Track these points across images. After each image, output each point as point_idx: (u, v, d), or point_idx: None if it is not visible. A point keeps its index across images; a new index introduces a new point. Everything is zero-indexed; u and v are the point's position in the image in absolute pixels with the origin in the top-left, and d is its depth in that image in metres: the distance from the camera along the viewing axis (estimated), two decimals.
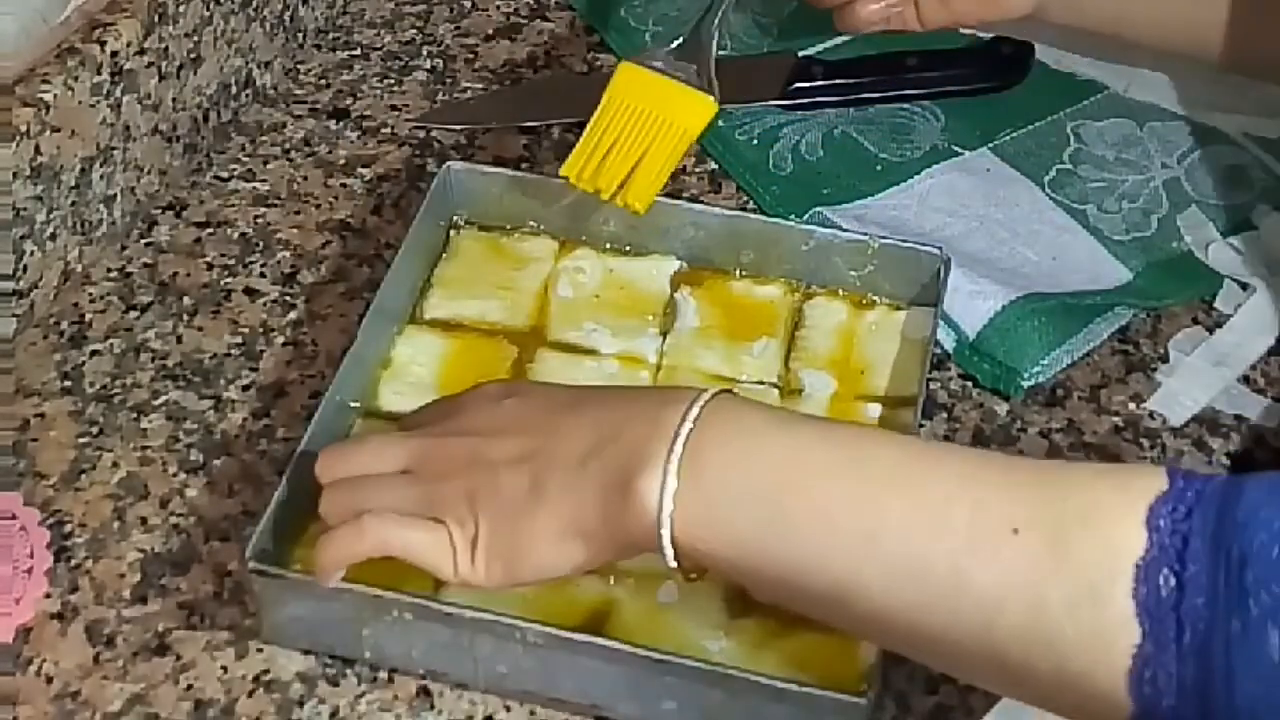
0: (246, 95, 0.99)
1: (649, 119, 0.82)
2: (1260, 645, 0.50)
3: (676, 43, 0.85)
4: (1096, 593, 0.53)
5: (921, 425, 0.80)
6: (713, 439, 0.61)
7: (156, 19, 0.88)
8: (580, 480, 0.63)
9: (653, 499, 0.60)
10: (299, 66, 1.03)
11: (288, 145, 0.98)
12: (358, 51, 1.05)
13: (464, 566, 0.65)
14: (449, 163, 0.87)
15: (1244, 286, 0.88)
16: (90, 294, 0.88)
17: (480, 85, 1.03)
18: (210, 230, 0.92)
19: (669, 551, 0.61)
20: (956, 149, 0.97)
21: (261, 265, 0.90)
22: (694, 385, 0.65)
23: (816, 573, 0.58)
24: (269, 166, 0.96)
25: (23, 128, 0.80)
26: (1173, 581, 0.52)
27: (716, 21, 0.85)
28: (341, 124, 0.99)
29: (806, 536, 0.58)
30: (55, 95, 0.82)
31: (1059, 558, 0.54)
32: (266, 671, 0.71)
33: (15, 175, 0.80)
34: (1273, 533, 0.51)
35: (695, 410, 0.61)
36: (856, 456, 0.60)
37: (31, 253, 0.84)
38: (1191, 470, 0.55)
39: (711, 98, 0.83)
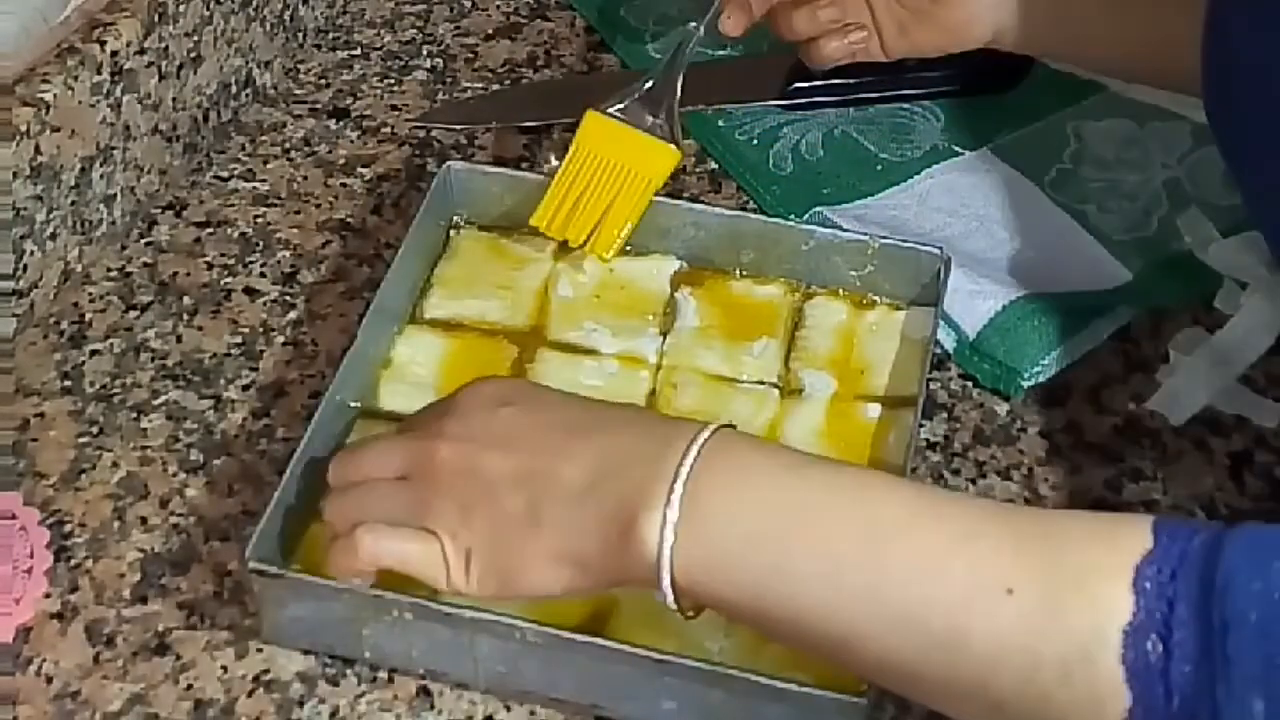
0: (246, 95, 0.99)
1: (614, 169, 0.85)
2: (1244, 713, 0.51)
3: (646, 86, 0.86)
4: (1088, 656, 0.54)
5: (921, 425, 0.80)
6: (713, 482, 0.61)
7: (156, 19, 0.88)
8: (579, 512, 0.63)
9: (653, 542, 0.60)
10: (299, 66, 1.03)
11: (288, 145, 0.98)
12: (358, 51, 1.05)
13: (457, 578, 0.65)
14: (449, 163, 0.87)
15: (1244, 286, 0.88)
16: (90, 294, 0.88)
17: (480, 85, 1.03)
18: (210, 230, 0.92)
19: (669, 593, 0.61)
20: (956, 149, 0.97)
21: (261, 265, 0.90)
22: (694, 420, 0.64)
23: (817, 620, 0.59)
24: (269, 166, 0.96)
25: (23, 128, 0.80)
26: (1160, 648, 0.52)
27: (681, 73, 0.87)
28: (341, 124, 0.99)
29: (807, 584, 0.59)
30: (55, 95, 0.82)
31: (1052, 619, 0.55)
32: (266, 671, 0.71)
33: (15, 175, 0.80)
34: (1250, 597, 0.52)
35: (695, 449, 0.61)
36: (858, 505, 0.60)
37: (31, 253, 0.84)
38: (1178, 523, 0.55)
39: (674, 147, 0.85)
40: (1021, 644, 0.55)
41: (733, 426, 0.64)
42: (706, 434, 0.62)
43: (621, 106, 0.86)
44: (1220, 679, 0.51)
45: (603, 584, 0.64)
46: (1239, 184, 0.72)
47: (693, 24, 0.88)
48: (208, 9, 0.93)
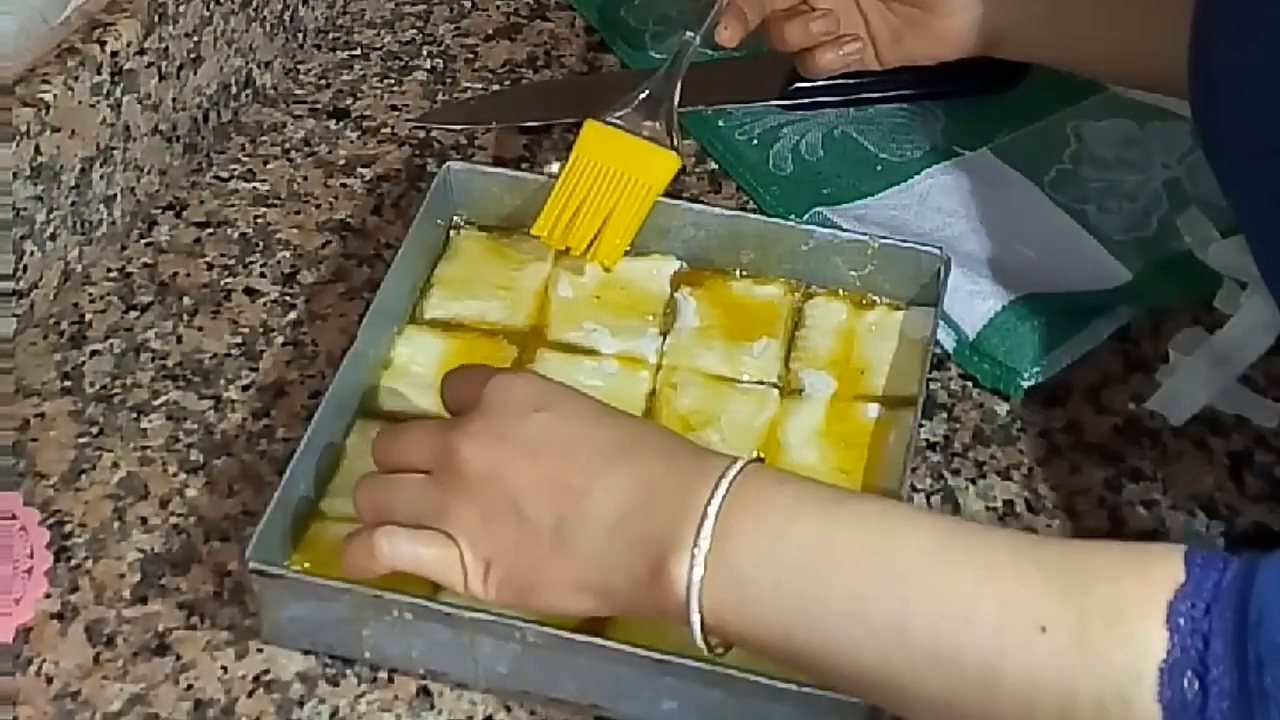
0: (246, 95, 0.99)
1: (615, 177, 0.84)
2: None
3: (644, 94, 0.86)
4: (1124, 695, 0.53)
5: (921, 425, 0.80)
6: (742, 521, 0.61)
7: (156, 19, 0.88)
8: (608, 544, 0.63)
9: (682, 581, 0.60)
10: (299, 66, 1.03)
11: (288, 145, 0.98)
12: (358, 51, 1.05)
13: (475, 584, 0.66)
14: (449, 163, 0.87)
15: (1244, 286, 0.88)
16: (90, 294, 0.88)
17: (480, 85, 1.03)
18: (210, 230, 0.92)
19: (698, 632, 0.61)
20: (956, 149, 0.97)
21: (261, 265, 0.90)
22: (723, 454, 0.64)
23: (846, 659, 0.58)
24: (269, 166, 0.96)
25: (23, 128, 0.80)
26: (1196, 685, 0.52)
27: (679, 80, 0.87)
28: (341, 124, 0.99)
29: (836, 624, 0.58)
30: (55, 95, 0.82)
31: (1087, 657, 0.54)
32: (266, 671, 0.71)
33: (15, 175, 0.80)
34: None
35: (725, 486, 0.61)
36: (886, 542, 0.59)
37: (31, 253, 0.84)
38: (1209, 554, 0.55)
39: (674, 153, 0.85)
40: (1056, 682, 0.54)
41: (761, 460, 0.64)
42: (735, 470, 0.62)
43: (620, 114, 0.86)
44: (1259, 714, 0.51)
45: (627, 613, 0.65)
46: (1224, 194, 0.72)
47: (689, 34, 0.88)
48: (208, 9, 0.93)
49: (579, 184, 0.84)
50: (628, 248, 0.84)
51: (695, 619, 0.61)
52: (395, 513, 0.68)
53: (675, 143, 0.86)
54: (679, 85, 0.87)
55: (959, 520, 0.67)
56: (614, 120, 0.86)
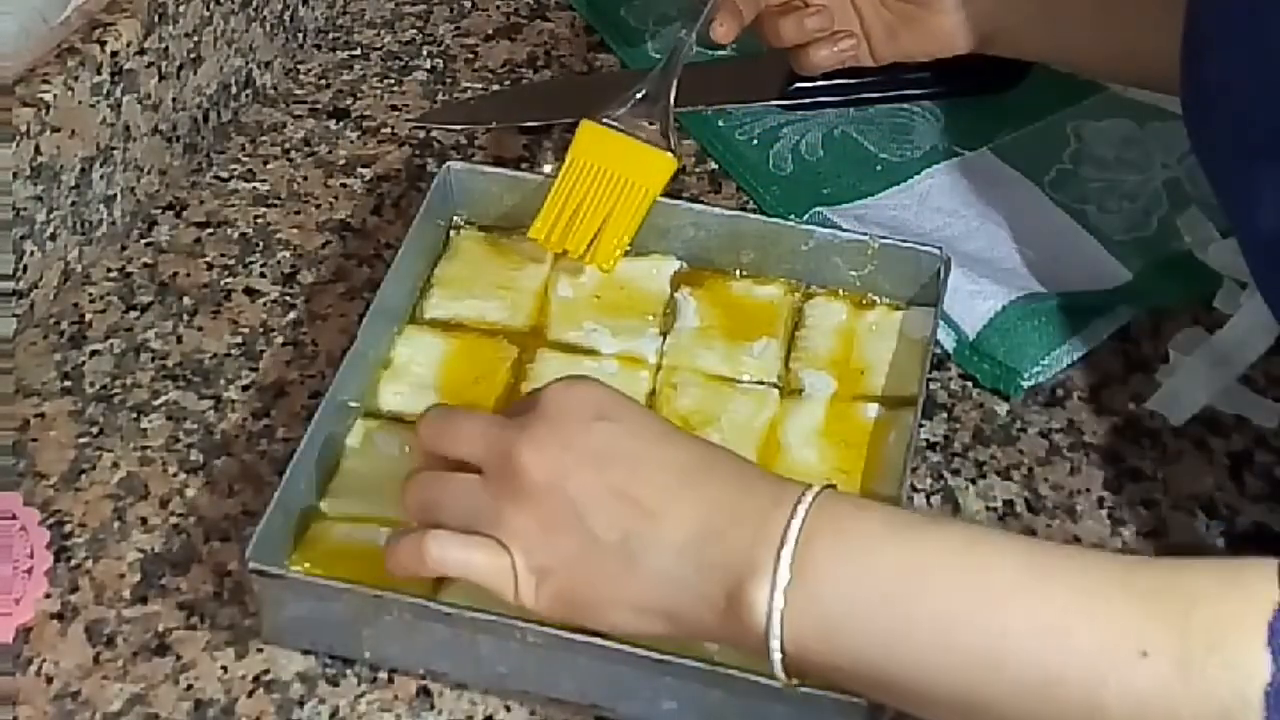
0: (246, 95, 0.99)
1: (611, 179, 0.84)
2: None
3: (640, 94, 0.86)
4: (1230, 719, 0.53)
5: (921, 425, 0.80)
6: (822, 546, 0.59)
7: (156, 19, 0.88)
8: (679, 568, 0.61)
9: (762, 610, 0.59)
10: (299, 66, 1.03)
11: (288, 145, 0.98)
12: (358, 51, 1.05)
13: (525, 594, 0.64)
14: (449, 163, 0.87)
15: (1244, 286, 0.88)
16: (90, 294, 0.88)
17: (480, 85, 1.03)
18: (210, 230, 0.92)
19: (778, 662, 0.60)
20: (956, 149, 0.97)
21: (261, 265, 0.90)
22: (795, 481, 0.63)
23: (936, 686, 0.57)
24: (269, 166, 0.96)
25: (23, 128, 0.80)
26: None
27: (675, 79, 0.87)
28: (341, 124, 0.99)
29: (926, 651, 0.57)
30: (55, 95, 0.82)
31: (1191, 682, 0.54)
32: (266, 671, 0.71)
33: (15, 175, 0.80)
34: None
35: (802, 512, 0.60)
36: (973, 565, 0.58)
37: (31, 253, 0.84)
38: None
39: (670, 155, 0.85)
40: (1161, 708, 0.54)
41: (834, 487, 0.62)
42: (812, 495, 0.61)
43: (616, 114, 0.86)
44: None
45: (691, 638, 0.64)
46: (1217, 199, 0.72)
47: (683, 31, 0.88)
48: (208, 9, 0.93)
49: (576, 186, 0.84)
50: (625, 251, 0.84)
51: (775, 648, 0.59)
52: (445, 513, 0.66)
53: (672, 143, 0.85)
54: (675, 85, 0.87)
55: (1047, 543, 0.66)
56: (610, 121, 0.86)
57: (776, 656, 0.60)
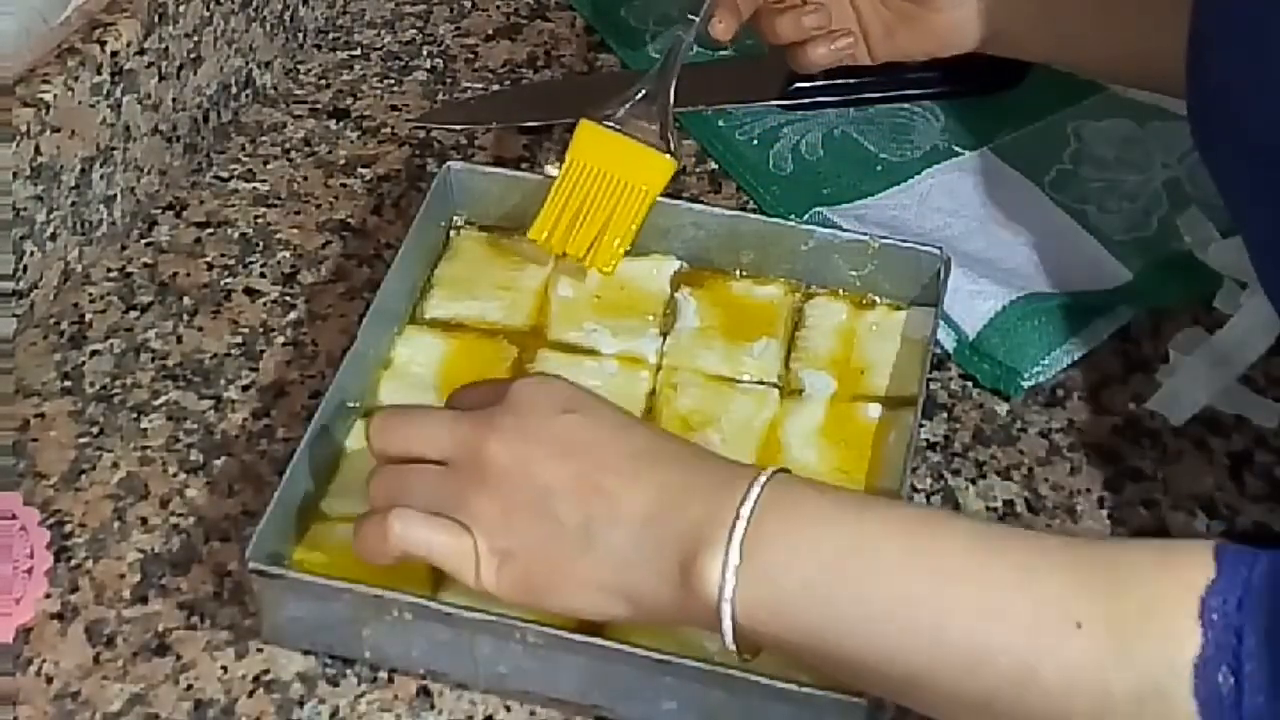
0: (246, 95, 0.99)
1: (610, 180, 0.84)
2: None
3: (639, 94, 0.86)
4: (1161, 691, 0.54)
5: (921, 425, 0.80)
6: (774, 523, 0.60)
7: (156, 19, 0.88)
8: (637, 544, 0.63)
9: (715, 583, 0.60)
10: (299, 66, 1.03)
11: (288, 145, 0.98)
12: (358, 51, 1.05)
13: (486, 577, 0.65)
14: (449, 163, 0.87)
15: (1244, 286, 0.88)
16: (90, 294, 0.88)
17: (480, 85, 1.03)
18: (210, 230, 0.92)
19: (729, 636, 0.61)
20: (956, 149, 0.97)
21: (261, 265, 0.90)
22: (748, 465, 0.64)
23: (881, 660, 0.59)
24: (269, 166, 0.96)
25: (23, 128, 0.80)
26: (1231, 680, 0.52)
27: (674, 79, 0.86)
28: (341, 124, 0.99)
29: (871, 627, 0.59)
30: (55, 95, 0.82)
31: (1122, 654, 0.54)
32: (266, 671, 0.71)
33: (15, 175, 0.80)
34: None
35: (755, 490, 0.61)
36: (918, 543, 0.60)
37: (31, 253, 0.84)
38: (1239, 549, 0.55)
39: (669, 157, 0.84)
40: (1092, 679, 0.55)
41: (787, 471, 0.63)
42: (766, 475, 0.62)
43: (615, 115, 0.85)
44: None
45: (648, 619, 0.64)
46: (1221, 195, 0.72)
47: (681, 30, 0.88)
48: (208, 9, 0.93)
49: (576, 187, 0.84)
50: (625, 253, 0.84)
51: (727, 621, 0.60)
52: (410, 499, 0.67)
53: (671, 143, 0.85)
54: (674, 84, 0.87)
55: (996, 524, 0.67)
56: (609, 122, 0.85)
57: (728, 629, 0.61)
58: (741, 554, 0.60)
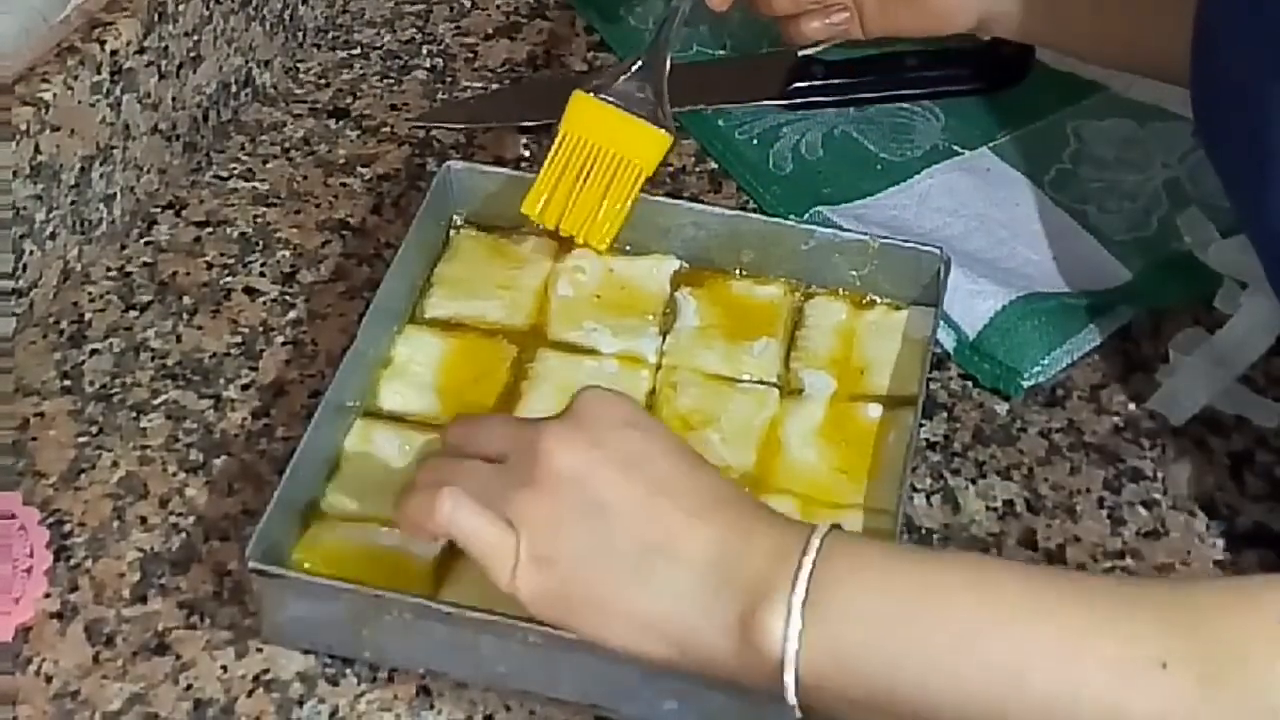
0: (246, 95, 0.99)
1: (605, 155, 0.83)
2: None
3: (635, 66, 0.85)
4: None
5: (921, 425, 0.80)
6: (836, 574, 0.59)
7: (156, 18, 0.88)
8: (694, 589, 0.60)
9: (777, 637, 0.58)
10: (299, 66, 1.03)
11: (288, 145, 0.98)
12: (358, 51, 1.05)
13: (522, 579, 0.62)
14: (449, 163, 0.87)
15: (1244, 286, 0.88)
16: (90, 293, 0.88)
17: (480, 85, 1.03)
18: (210, 230, 0.92)
19: (792, 690, 0.59)
20: (956, 149, 0.97)
21: (261, 265, 0.90)
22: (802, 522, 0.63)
23: (956, 706, 0.57)
24: (269, 166, 0.96)
25: (23, 127, 0.80)
26: None
27: (669, 52, 0.85)
28: (341, 123, 0.99)
29: (944, 672, 0.57)
30: (55, 95, 0.82)
31: (1211, 695, 0.54)
32: (266, 671, 0.71)
33: (15, 175, 0.80)
34: None
35: (816, 542, 0.59)
36: (988, 585, 0.58)
37: (31, 252, 0.84)
38: None
39: (664, 131, 0.84)
40: (1182, 718, 0.54)
41: (839, 527, 0.62)
42: (824, 528, 0.60)
43: (609, 87, 0.84)
44: None
45: (692, 667, 0.61)
46: (1226, 193, 0.72)
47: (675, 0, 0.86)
48: (208, 9, 0.93)
49: (570, 161, 0.83)
50: (620, 229, 0.83)
51: (790, 675, 0.58)
52: (459, 483, 0.64)
53: (666, 118, 0.84)
54: (669, 57, 0.85)
55: (1053, 566, 0.65)
56: (603, 95, 0.84)
57: (790, 683, 0.58)
58: (805, 601, 0.58)
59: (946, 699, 0.57)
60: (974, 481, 0.80)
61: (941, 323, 0.83)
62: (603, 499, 0.62)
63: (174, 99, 0.92)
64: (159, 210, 0.93)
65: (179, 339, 0.85)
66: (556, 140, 0.84)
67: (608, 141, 0.83)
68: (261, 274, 0.89)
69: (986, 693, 0.56)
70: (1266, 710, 0.53)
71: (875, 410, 0.80)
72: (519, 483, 0.63)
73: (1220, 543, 0.77)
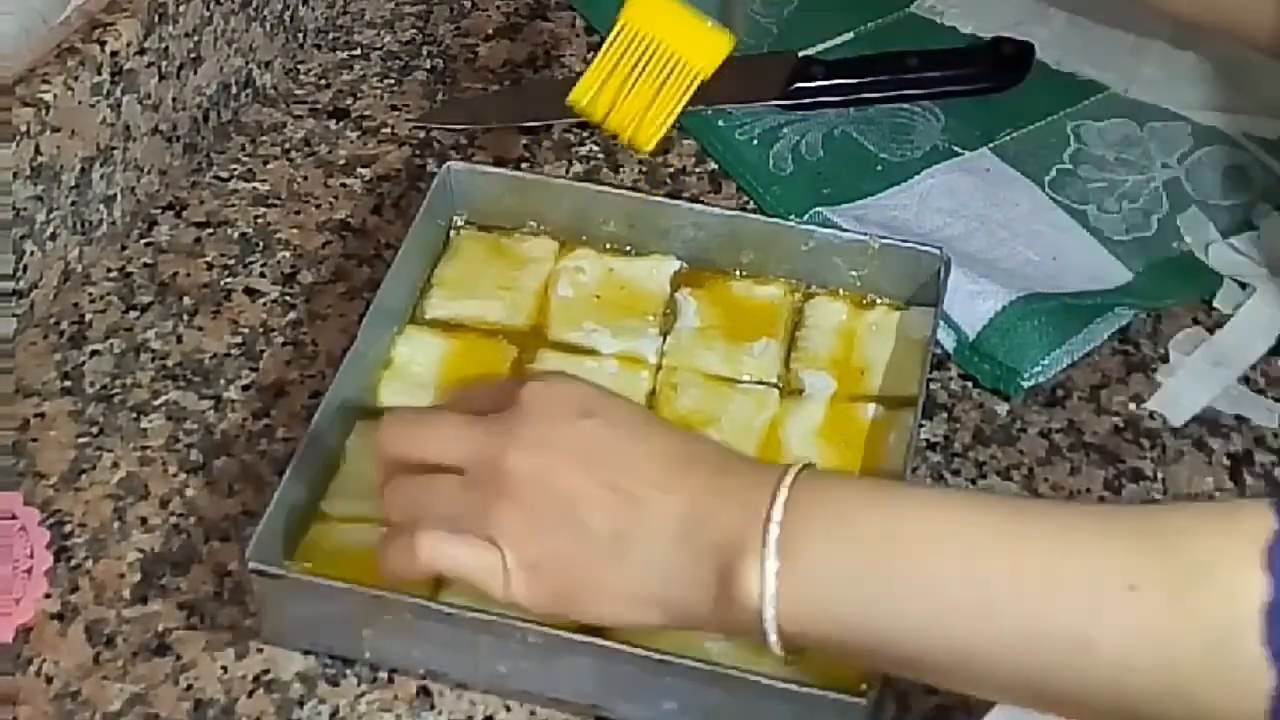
0: (246, 95, 0.99)
1: (661, 52, 0.80)
2: None
3: None
4: (1226, 642, 0.53)
5: (921, 425, 0.80)
6: (808, 520, 0.60)
7: (156, 19, 0.88)
8: (670, 556, 0.61)
9: (754, 590, 0.59)
10: (299, 66, 1.03)
11: (288, 145, 0.98)
12: (358, 51, 1.05)
13: (517, 590, 0.64)
14: (449, 163, 0.87)
15: (1244, 286, 0.88)
16: (90, 294, 0.88)
17: (480, 85, 1.03)
18: (210, 230, 0.92)
19: (774, 638, 0.60)
20: (956, 149, 0.97)
21: (261, 265, 0.90)
22: (774, 463, 0.63)
23: (931, 645, 0.58)
24: (269, 166, 0.96)
25: (23, 128, 0.80)
26: None
27: None
28: (341, 124, 0.99)
29: (917, 610, 0.58)
30: (55, 95, 0.82)
31: (1182, 611, 0.54)
32: (266, 671, 0.71)
33: (15, 175, 0.80)
34: None
35: (784, 489, 0.60)
36: (955, 521, 0.59)
37: (31, 253, 0.84)
38: None
39: (727, 33, 0.80)
40: (1153, 641, 0.54)
41: (813, 465, 0.63)
42: (793, 473, 0.61)
43: None
44: None
45: (684, 626, 0.64)
46: None
47: None
48: (208, 9, 0.93)
49: (625, 54, 0.80)
50: (664, 134, 0.80)
51: (770, 624, 0.59)
52: (430, 514, 0.65)
53: (732, 18, 0.80)
54: None
55: (1026, 497, 0.65)
56: None
57: (771, 632, 0.60)
58: (778, 553, 0.59)
59: (920, 635, 0.58)
60: (974, 481, 0.80)
61: (941, 323, 0.83)
62: (570, 494, 0.63)
63: (174, 100, 0.92)
64: (159, 211, 0.93)
65: (179, 340, 0.85)
66: (614, 30, 0.80)
67: (667, 37, 0.80)
68: (262, 275, 0.89)
69: (957, 630, 0.57)
70: (1235, 622, 0.53)
71: (875, 411, 0.80)
72: (489, 498, 0.64)
73: None
